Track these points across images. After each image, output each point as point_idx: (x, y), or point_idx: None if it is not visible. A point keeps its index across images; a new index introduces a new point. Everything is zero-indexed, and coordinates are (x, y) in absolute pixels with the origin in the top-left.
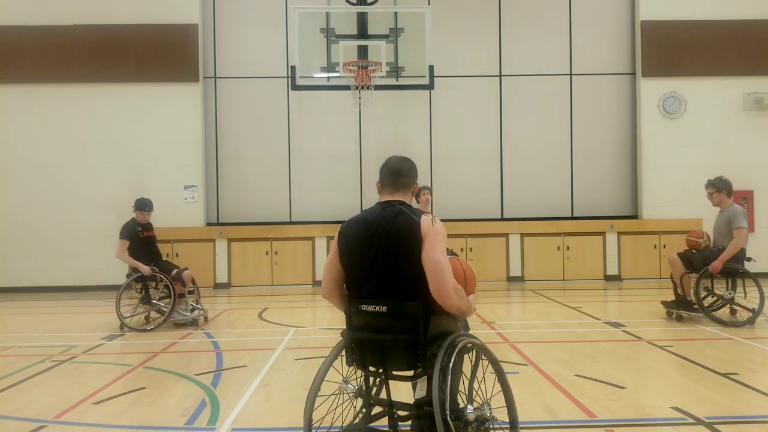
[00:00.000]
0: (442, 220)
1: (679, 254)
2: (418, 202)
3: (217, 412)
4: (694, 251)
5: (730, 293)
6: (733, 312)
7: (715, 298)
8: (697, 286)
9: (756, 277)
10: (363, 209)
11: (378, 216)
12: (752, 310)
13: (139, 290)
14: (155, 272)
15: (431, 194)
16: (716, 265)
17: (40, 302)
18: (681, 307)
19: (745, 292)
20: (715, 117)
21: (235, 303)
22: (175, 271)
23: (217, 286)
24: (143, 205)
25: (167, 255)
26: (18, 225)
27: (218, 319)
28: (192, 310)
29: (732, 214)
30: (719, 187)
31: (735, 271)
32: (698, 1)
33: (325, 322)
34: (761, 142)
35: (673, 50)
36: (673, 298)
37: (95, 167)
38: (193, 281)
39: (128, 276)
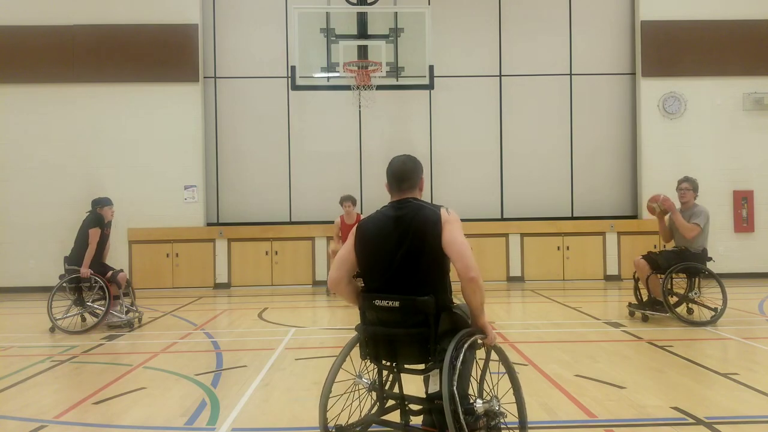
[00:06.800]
0: None
1: (643, 257)
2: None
3: (217, 412)
4: (657, 252)
5: (696, 293)
6: (689, 311)
7: (676, 297)
8: (664, 285)
9: (719, 277)
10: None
11: (395, 212)
12: (714, 310)
13: (72, 292)
14: (92, 275)
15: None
16: (668, 201)
17: (40, 302)
18: (647, 307)
19: (699, 291)
20: (715, 117)
21: (235, 303)
22: (110, 272)
23: (217, 286)
24: (110, 201)
25: (167, 255)
26: (18, 225)
27: (218, 319)
28: (127, 312)
29: (697, 211)
30: (695, 187)
31: (698, 272)
32: (698, 1)
33: (325, 322)
34: (761, 142)
35: (673, 50)
36: (633, 300)
37: (95, 167)
38: (128, 283)
39: (61, 277)
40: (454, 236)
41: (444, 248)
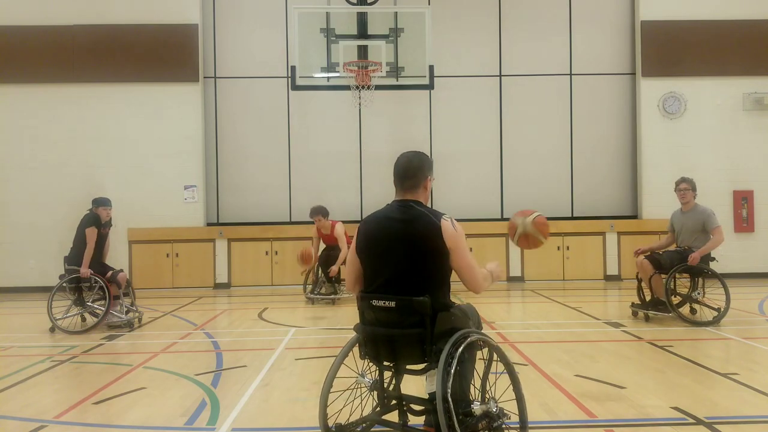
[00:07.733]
0: None
1: (646, 257)
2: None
3: (217, 412)
4: (662, 252)
5: (698, 293)
6: (693, 311)
7: (679, 297)
8: (667, 285)
9: (722, 277)
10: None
11: (398, 216)
12: (717, 310)
13: (72, 292)
14: (92, 275)
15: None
16: (695, 256)
17: (40, 302)
18: (650, 307)
19: (703, 291)
20: (715, 117)
21: (235, 303)
22: (110, 272)
23: (217, 286)
24: (107, 202)
25: (167, 255)
26: (18, 225)
27: (218, 319)
28: (127, 312)
29: (705, 215)
30: (694, 187)
31: (701, 271)
32: (698, 1)
33: (325, 322)
34: (761, 142)
35: (673, 50)
36: (636, 300)
37: (95, 167)
38: (128, 283)
39: (61, 277)
40: (465, 261)
41: (453, 267)
